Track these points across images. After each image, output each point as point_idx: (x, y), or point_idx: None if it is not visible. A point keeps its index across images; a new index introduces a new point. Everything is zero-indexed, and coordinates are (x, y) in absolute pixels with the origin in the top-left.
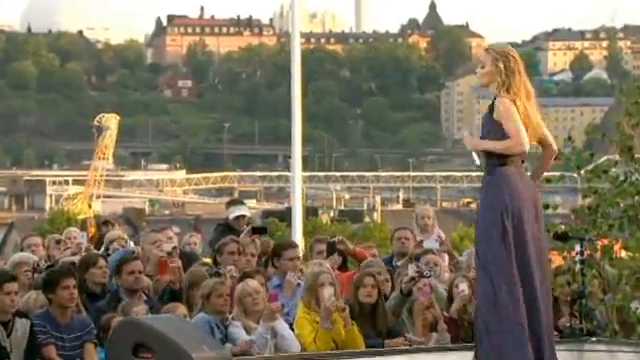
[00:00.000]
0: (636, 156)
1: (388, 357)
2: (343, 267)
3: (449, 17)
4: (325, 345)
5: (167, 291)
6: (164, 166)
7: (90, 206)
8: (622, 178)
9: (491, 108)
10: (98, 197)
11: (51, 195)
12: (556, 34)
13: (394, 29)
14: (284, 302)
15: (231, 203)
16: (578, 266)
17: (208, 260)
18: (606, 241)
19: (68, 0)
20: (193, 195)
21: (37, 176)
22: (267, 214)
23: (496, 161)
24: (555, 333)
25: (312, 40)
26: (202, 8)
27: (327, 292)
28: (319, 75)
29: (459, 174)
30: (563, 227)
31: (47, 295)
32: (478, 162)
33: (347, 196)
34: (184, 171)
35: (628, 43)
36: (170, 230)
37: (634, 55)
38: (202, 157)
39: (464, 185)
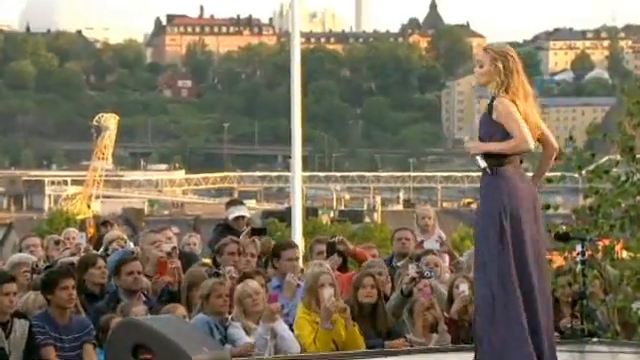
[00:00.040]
0: (637, 156)
1: (388, 358)
2: (343, 268)
3: (450, 16)
4: (325, 346)
5: (166, 292)
6: (163, 166)
7: (89, 206)
8: (623, 178)
9: (489, 108)
10: (97, 197)
11: (50, 195)
12: (557, 34)
13: (394, 28)
14: (284, 303)
15: (231, 203)
16: (579, 267)
17: (208, 260)
18: (607, 241)
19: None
20: (192, 195)
21: (36, 176)
22: (267, 214)
23: (495, 161)
24: (556, 334)
25: (312, 40)
26: (202, 8)
27: (327, 293)
28: (319, 75)
29: (460, 174)
30: (564, 227)
31: (46, 296)
32: (483, 165)
33: (347, 196)
34: (183, 171)
35: (629, 43)
36: (169, 230)
37: (635, 55)
38: (202, 157)
39: (465, 185)
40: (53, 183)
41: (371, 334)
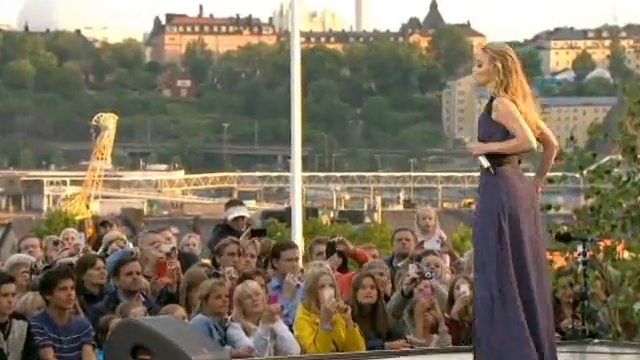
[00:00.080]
0: (639, 156)
1: (388, 359)
2: (343, 268)
3: (450, 16)
4: (325, 347)
5: (164, 293)
6: (163, 166)
7: (88, 207)
8: (625, 178)
9: (489, 108)
10: (96, 198)
11: (49, 196)
12: (558, 33)
13: (395, 28)
14: (284, 303)
15: (230, 204)
16: (580, 267)
17: (207, 261)
18: (609, 242)
19: None
20: (192, 196)
21: (34, 176)
22: (267, 215)
23: (493, 161)
24: (557, 335)
25: (312, 39)
26: (201, 7)
27: (327, 293)
28: (319, 74)
29: (460, 174)
30: (565, 228)
31: (44, 296)
32: (486, 165)
33: (347, 197)
34: (183, 171)
35: (631, 42)
36: (169, 231)
37: (637, 54)
38: (201, 157)
39: (465, 185)
40: (52, 183)
41: (371, 335)
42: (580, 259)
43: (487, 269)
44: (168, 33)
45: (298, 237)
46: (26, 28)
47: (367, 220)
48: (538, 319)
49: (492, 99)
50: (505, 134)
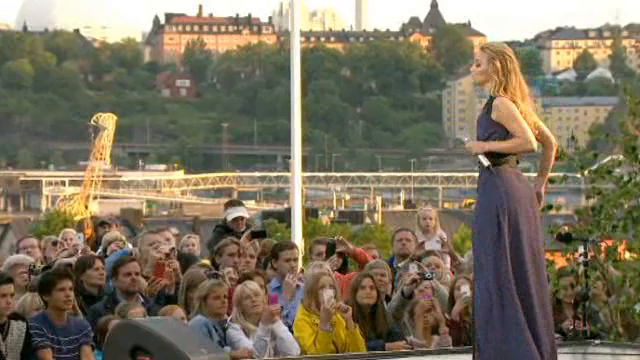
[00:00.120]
0: None
1: None
2: (343, 269)
3: (451, 15)
4: (325, 348)
5: (163, 295)
6: (162, 166)
7: (87, 207)
8: (626, 179)
9: (488, 108)
10: (95, 198)
11: (47, 196)
12: (559, 33)
13: (395, 27)
14: (283, 304)
15: (230, 204)
16: (582, 268)
17: (207, 261)
18: (610, 242)
19: None
20: (191, 196)
21: (33, 177)
22: (266, 215)
23: (492, 161)
24: (558, 335)
25: (312, 39)
26: (200, 6)
27: (327, 294)
28: (319, 74)
29: (461, 174)
30: (566, 228)
31: (43, 297)
32: (487, 164)
33: (347, 197)
34: (182, 171)
35: (632, 42)
36: (168, 231)
37: (638, 54)
38: (200, 157)
39: (466, 186)
40: (50, 184)
41: (371, 336)
42: (581, 260)
43: (485, 269)
44: (167, 33)
45: (298, 237)
46: (24, 28)
47: (367, 220)
48: (537, 318)
49: (491, 99)
50: (505, 134)
